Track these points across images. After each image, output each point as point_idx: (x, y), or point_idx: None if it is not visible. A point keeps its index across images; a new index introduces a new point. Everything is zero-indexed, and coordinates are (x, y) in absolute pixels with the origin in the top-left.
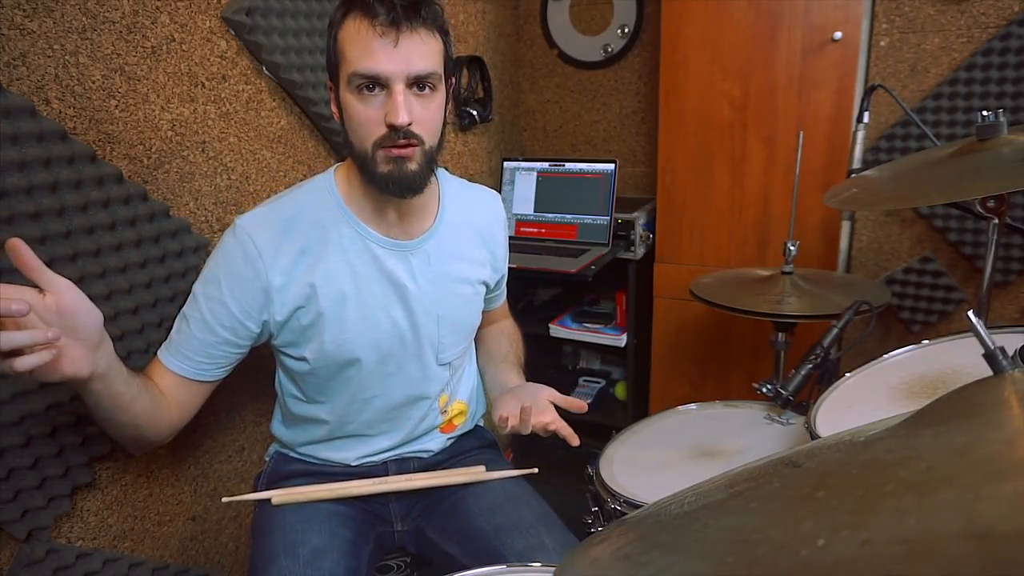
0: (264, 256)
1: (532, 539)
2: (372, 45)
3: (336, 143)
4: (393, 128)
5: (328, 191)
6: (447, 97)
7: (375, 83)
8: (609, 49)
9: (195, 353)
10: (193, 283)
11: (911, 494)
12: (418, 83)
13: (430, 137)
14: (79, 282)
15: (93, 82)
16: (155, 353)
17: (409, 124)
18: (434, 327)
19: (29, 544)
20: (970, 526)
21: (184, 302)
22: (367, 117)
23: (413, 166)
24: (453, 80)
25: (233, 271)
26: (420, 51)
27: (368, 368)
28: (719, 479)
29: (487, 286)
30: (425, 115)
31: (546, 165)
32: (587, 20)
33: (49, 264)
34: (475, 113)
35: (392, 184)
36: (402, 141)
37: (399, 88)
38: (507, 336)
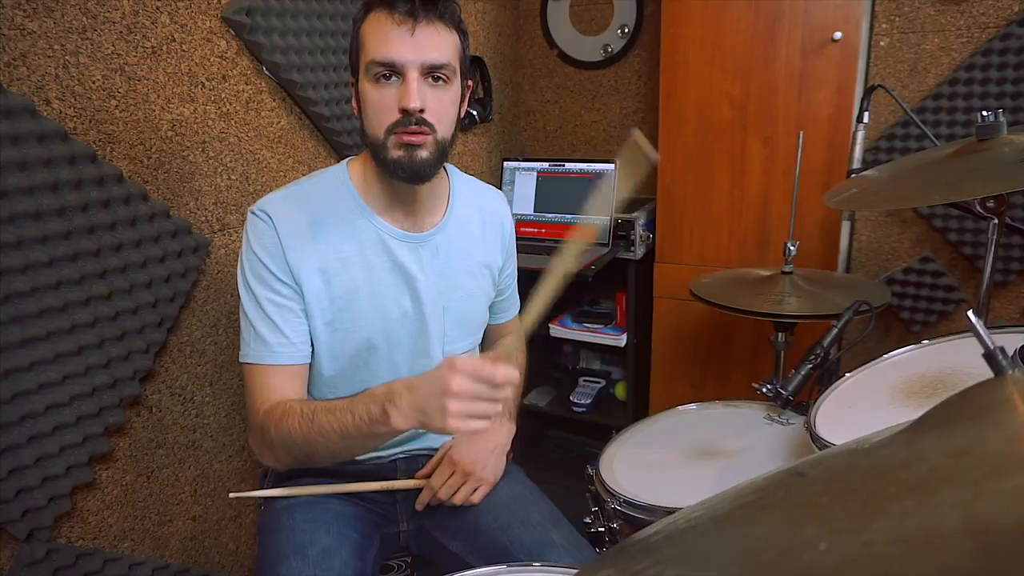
0: (280, 229)
1: (541, 535)
2: (389, 34)
3: (336, 143)
4: (406, 113)
5: (342, 182)
6: (462, 95)
7: (391, 71)
8: (609, 49)
9: (295, 335)
10: (242, 294)
11: (912, 495)
12: (432, 73)
13: (443, 128)
14: (79, 282)
15: (93, 82)
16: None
17: (421, 111)
18: (440, 319)
19: (29, 544)
20: (969, 521)
21: (185, 302)
22: (382, 103)
23: (424, 154)
24: (471, 83)
25: (267, 249)
26: (435, 42)
27: (381, 355)
28: (726, 494)
29: (494, 278)
30: (438, 105)
31: (546, 165)
32: (587, 20)
33: (49, 264)
34: (475, 113)
35: (402, 170)
36: (414, 127)
37: (413, 75)
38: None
